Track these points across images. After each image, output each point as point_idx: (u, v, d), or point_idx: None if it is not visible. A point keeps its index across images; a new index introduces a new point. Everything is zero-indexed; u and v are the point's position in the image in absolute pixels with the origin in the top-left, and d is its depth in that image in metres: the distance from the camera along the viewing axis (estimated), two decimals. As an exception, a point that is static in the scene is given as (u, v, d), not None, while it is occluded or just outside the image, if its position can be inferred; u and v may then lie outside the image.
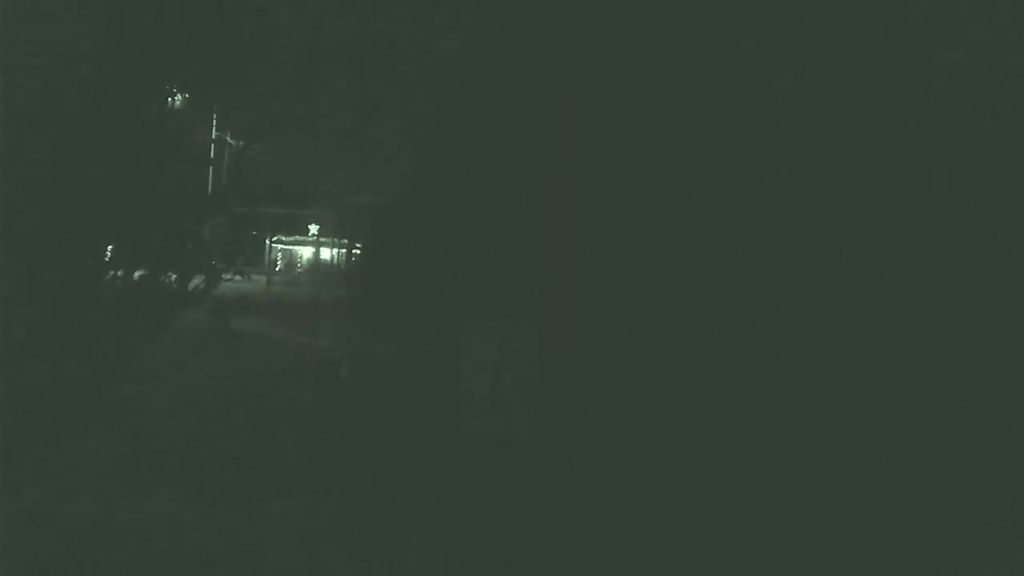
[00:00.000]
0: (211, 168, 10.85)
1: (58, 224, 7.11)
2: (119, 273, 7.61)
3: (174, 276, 7.77)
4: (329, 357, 11.26)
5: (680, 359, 6.84)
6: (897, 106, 6.64)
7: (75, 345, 7.17)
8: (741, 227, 6.85)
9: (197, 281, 7.95)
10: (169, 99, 8.32)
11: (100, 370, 7.48)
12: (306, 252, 33.17)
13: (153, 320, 7.79)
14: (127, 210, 7.53)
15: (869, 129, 6.67)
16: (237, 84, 8.55)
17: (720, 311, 6.78)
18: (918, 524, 6.00)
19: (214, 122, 10.94)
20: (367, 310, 9.47)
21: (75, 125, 7.20)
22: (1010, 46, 6.41)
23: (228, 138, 11.15)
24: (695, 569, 5.75)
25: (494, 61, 8.23)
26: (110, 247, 7.78)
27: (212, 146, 11.16)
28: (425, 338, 8.12)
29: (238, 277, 8.54)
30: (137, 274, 7.67)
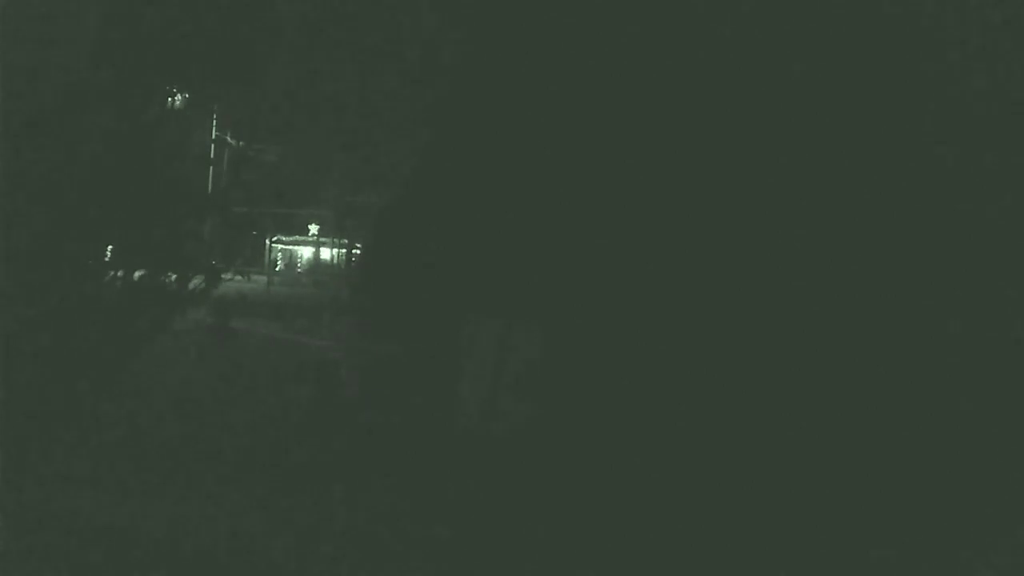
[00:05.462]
0: (211, 168, 10.85)
1: (58, 225, 7.11)
2: (119, 273, 7.60)
3: (174, 276, 7.76)
4: (329, 357, 11.26)
5: (679, 359, 6.84)
6: (902, 107, 6.65)
7: (75, 345, 7.16)
8: (742, 227, 6.85)
9: (197, 281, 7.94)
10: (169, 99, 8.32)
11: (100, 370, 7.48)
12: (306, 252, 33.16)
13: (153, 320, 7.78)
14: (127, 210, 7.52)
15: (871, 130, 6.67)
16: (237, 84, 8.54)
17: (720, 311, 6.78)
18: (917, 523, 6.00)
19: (214, 122, 10.94)
20: (367, 310, 9.47)
21: (75, 126, 7.20)
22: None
23: (228, 138, 11.15)
24: (693, 568, 5.75)
25: (495, 62, 8.22)
26: (110, 247, 7.78)
27: (212, 146, 11.16)
28: (425, 337, 8.12)
29: (238, 277, 8.53)
30: (137, 274, 7.66)
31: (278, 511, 6.42)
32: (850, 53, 6.76)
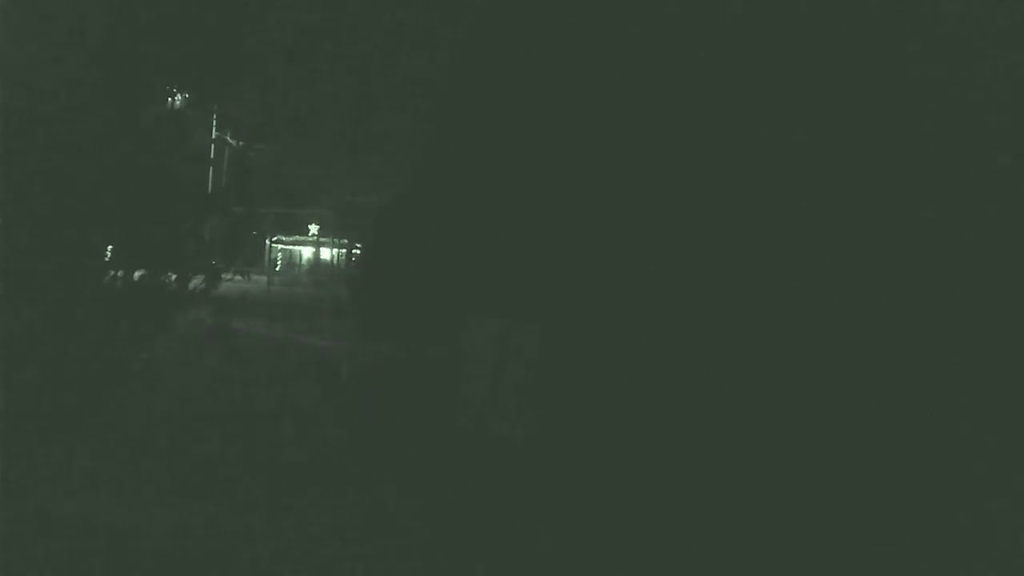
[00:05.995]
0: (211, 168, 10.86)
1: (58, 225, 7.12)
2: (119, 273, 7.61)
3: (174, 276, 7.77)
4: (329, 357, 11.27)
5: (681, 359, 6.84)
6: (898, 106, 6.65)
7: (75, 345, 7.17)
8: (743, 227, 6.85)
9: (197, 281, 7.96)
10: (169, 99, 8.33)
11: (100, 370, 7.48)
12: (306, 252, 33.26)
13: (153, 320, 7.79)
14: (127, 210, 7.54)
15: (871, 129, 6.67)
16: (237, 84, 8.56)
17: (722, 312, 6.78)
18: (916, 524, 6.00)
19: (214, 122, 10.95)
20: (367, 310, 9.47)
21: (75, 125, 7.21)
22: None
23: (228, 138, 11.16)
24: (694, 569, 5.75)
25: (494, 60, 8.23)
26: (110, 247, 7.79)
27: (212, 146, 11.17)
28: (425, 338, 8.13)
29: (238, 277, 8.54)
30: (137, 274, 7.67)
31: (278, 511, 6.42)
32: (849, 52, 6.76)
